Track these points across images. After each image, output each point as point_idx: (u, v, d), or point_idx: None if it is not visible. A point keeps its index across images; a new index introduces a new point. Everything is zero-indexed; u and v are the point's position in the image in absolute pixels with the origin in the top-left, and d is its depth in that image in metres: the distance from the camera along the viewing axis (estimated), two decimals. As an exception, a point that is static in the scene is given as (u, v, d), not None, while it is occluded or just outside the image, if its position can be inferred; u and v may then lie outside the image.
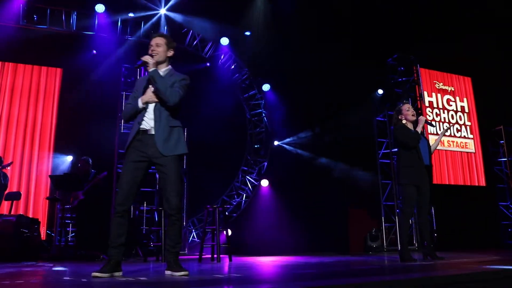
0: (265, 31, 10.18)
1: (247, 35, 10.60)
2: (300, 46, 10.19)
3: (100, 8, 9.24)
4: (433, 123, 10.67)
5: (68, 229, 8.07)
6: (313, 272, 3.80)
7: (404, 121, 5.37)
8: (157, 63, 3.62)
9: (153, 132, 3.52)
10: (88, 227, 7.26)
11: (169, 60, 3.73)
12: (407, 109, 5.40)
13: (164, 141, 3.49)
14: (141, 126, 3.55)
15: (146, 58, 3.55)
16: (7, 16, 8.80)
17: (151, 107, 3.57)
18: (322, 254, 8.42)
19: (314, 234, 9.72)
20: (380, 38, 10.51)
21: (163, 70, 3.66)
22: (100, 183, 7.42)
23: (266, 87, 10.65)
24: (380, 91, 11.28)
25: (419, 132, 5.24)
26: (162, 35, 3.70)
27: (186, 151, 3.61)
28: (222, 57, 10.54)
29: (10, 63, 9.31)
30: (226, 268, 4.72)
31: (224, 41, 10.32)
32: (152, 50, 3.60)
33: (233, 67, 10.61)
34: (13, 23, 8.87)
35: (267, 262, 5.94)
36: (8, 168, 7.59)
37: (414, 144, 5.18)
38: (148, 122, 3.55)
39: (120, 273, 3.45)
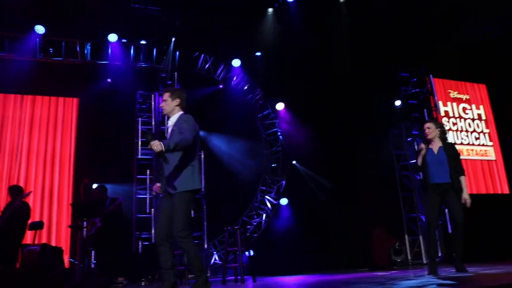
0: (275, 51, 10.26)
1: (258, 55, 10.69)
2: (310, 63, 10.25)
3: (112, 37, 9.42)
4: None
5: (90, 256, 8.10)
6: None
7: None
8: (169, 115, 4.12)
9: None
10: (108, 253, 7.27)
11: (180, 107, 4.10)
12: (423, 129, 5.41)
13: None
14: None
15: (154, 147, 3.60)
16: (24, 51, 9.02)
17: None
18: (347, 271, 8.30)
19: (337, 251, 9.60)
20: (391, 51, 10.52)
21: (173, 119, 4.07)
22: (117, 209, 7.45)
23: (280, 106, 10.68)
24: (398, 102, 11.18)
25: (419, 162, 5.22)
26: (165, 91, 4.14)
27: None
28: (234, 78, 10.63)
29: (29, 96, 9.53)
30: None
31: (236, 62, 10.42)
32: (162, 107, 4.14)
33: (246, 87, 10.68)
34: (30, 57, 9.09)
35: (292, 282, 5.88)
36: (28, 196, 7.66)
37: (415, 172, 5.28)
38: None
39: None
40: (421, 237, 10.30)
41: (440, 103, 11.00)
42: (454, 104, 11.23)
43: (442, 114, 10.89)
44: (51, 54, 9.27)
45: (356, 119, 10.48)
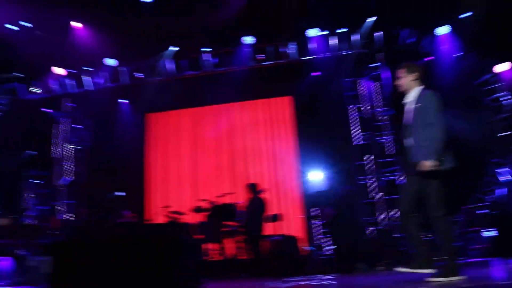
0: (488, 6, 9.16)
1: (465, 17, 9.72)
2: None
3: (312, 32, 9.74)
4: None
5: (324, 243, 8.55)
6: None
7: None
8: (406, 91, 3.98)
9: None
10: (344, 240, 7.54)
11: (418, 81, 3.92)
12: None
13: None
14: None
15: None
16: (238, 62, 10.05)
17: None
18: None
19: None
20: None
21: (412, 94, 3.91)
22: (347, 197, 7.68)
23: (502, 66, 9.52)
24: None
25: None
26: (400, 67, 4.00)
27: None
28: (442, 47, 9.88)
29: (248, 101, 10.59)
30: (504, 274, 4.33)
31: (442, 30, 9.68)
32: (397, 84, 4.03)
33: (457, 54, 9.83)
34: (243, 66, 10.05)
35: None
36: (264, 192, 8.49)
37: None
38: None
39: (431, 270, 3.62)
40: None
41: None
42: None
43: None
44: (261, 60, 10.07)
45: None
